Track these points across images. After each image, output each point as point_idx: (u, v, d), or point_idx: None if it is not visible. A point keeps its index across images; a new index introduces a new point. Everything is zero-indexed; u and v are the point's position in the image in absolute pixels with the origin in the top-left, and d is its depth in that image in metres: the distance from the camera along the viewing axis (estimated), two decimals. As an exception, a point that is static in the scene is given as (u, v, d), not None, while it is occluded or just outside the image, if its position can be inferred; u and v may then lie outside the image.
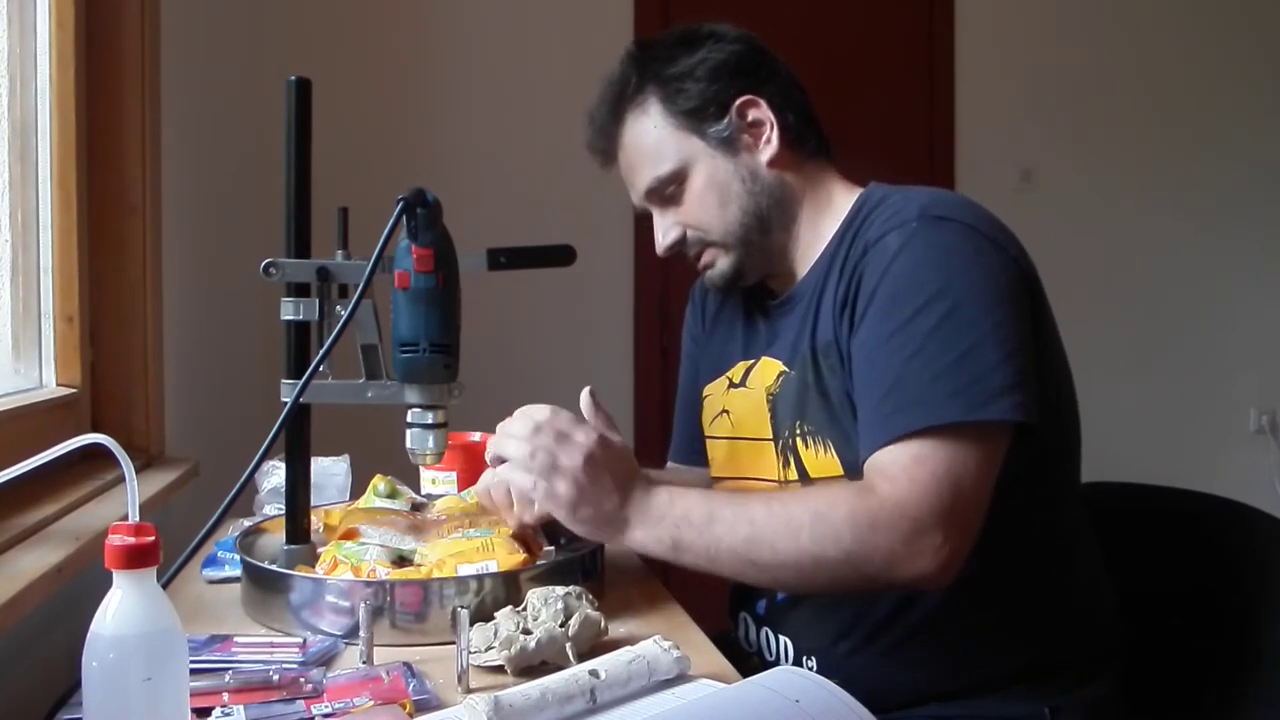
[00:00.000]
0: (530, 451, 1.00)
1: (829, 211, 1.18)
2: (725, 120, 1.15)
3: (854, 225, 1.12)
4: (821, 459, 1.11)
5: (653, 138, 1.17)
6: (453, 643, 0.86)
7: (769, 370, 1.19)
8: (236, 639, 0.95)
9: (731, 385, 1.25)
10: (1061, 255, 3.12)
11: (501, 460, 1.04)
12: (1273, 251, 3.41)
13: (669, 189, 1.17)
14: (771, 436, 1.18)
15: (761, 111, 1.16)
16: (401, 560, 1.05)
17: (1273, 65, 3.41)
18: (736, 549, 0.99)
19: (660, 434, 1.38)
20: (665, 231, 1.20)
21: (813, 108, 1.21)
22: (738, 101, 1.15)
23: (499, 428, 1.04)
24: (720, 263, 1.19)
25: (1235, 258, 3.38)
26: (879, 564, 0.97)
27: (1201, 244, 3.37)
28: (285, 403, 1.01)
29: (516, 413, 1.03)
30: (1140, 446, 3.04)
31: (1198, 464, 2.85)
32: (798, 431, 1.14)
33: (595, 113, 1.21)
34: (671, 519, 0.99)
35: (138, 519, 0.64)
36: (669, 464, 1.42)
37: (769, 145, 1.16)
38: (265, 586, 1.03)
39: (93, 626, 0.62)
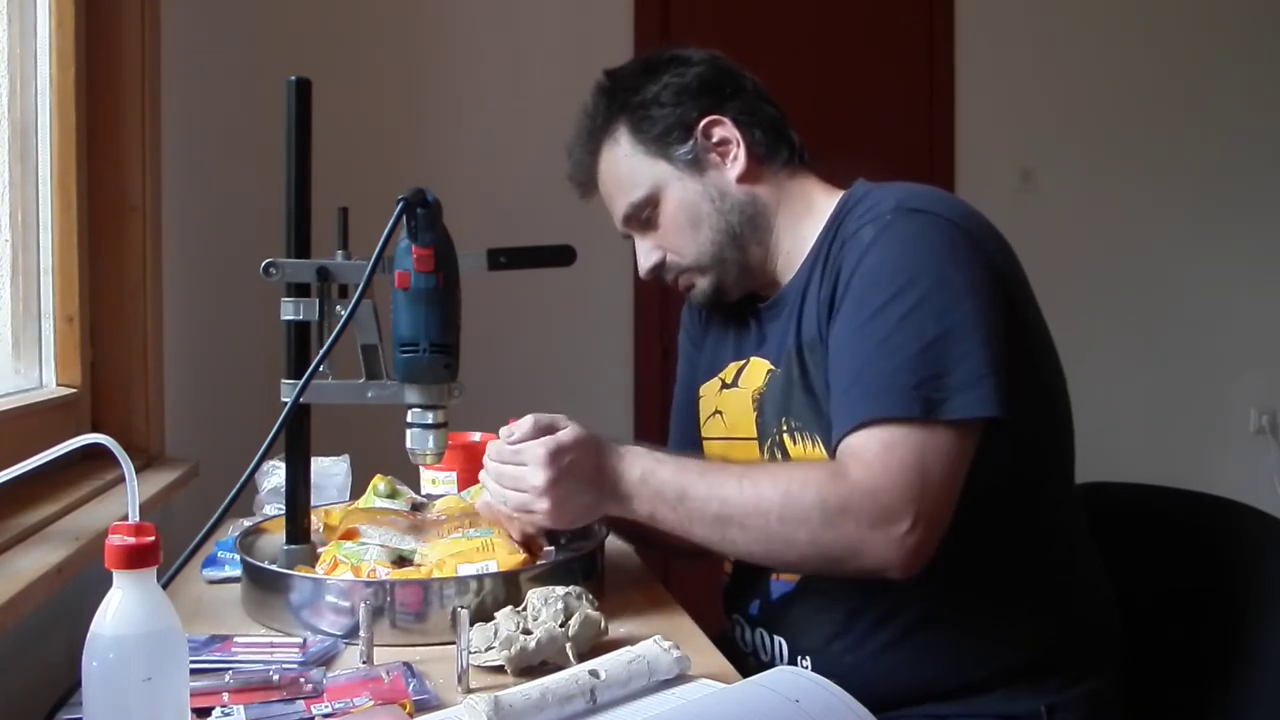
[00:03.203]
0: (500, 497, 1.05)
1: (809, 217, 1.18)
2: (691, 142, 1.17)
3: (836, 224, 1.14)
4: (810, 454, 1.11)
5: (625, 166, 1.19)
6: (453, 643, 0.87)
7: (758, 370, 1.20)
8: (236, 639, 0.95)
9: (724, 386, 1.26)
10: (1061, 255, 3.14)
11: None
12: (1273, 251, 3.41)
13: (645, 213, 1.20)
14: (756, 436, 1.18)
15: (726, 129, 1.17)
16: (401, 560, 1.05)
17: (1273, 66, 3.41)
18: (708, 525, 1.02)
19: (661, 435, 1.38)
20: (646, 255, 1.23)
21: (784, 118, 1.22)
22: (702, 122, 1.17)
23: (488, 448, 1.07)
24: (700, 283, 1.22)
25: (1235, 258, 3.38)
26: (845, 550, 0.98)
27: (1202, 244, 3.37)
28: (285, 403, 1.01)
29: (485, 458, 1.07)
30: (1140, 446, 3.04)
31: (1198, 464, 2.85)
32: (784, 428, 1.14)
33: (572, 146, 1.24)
34: (645, 496, 1.03)
35: (138, 519, 0.64)
36: None
37: (736, 162, 1.18)
38: (265, 586, 1.03)
39: (93, 626, 0.62)
